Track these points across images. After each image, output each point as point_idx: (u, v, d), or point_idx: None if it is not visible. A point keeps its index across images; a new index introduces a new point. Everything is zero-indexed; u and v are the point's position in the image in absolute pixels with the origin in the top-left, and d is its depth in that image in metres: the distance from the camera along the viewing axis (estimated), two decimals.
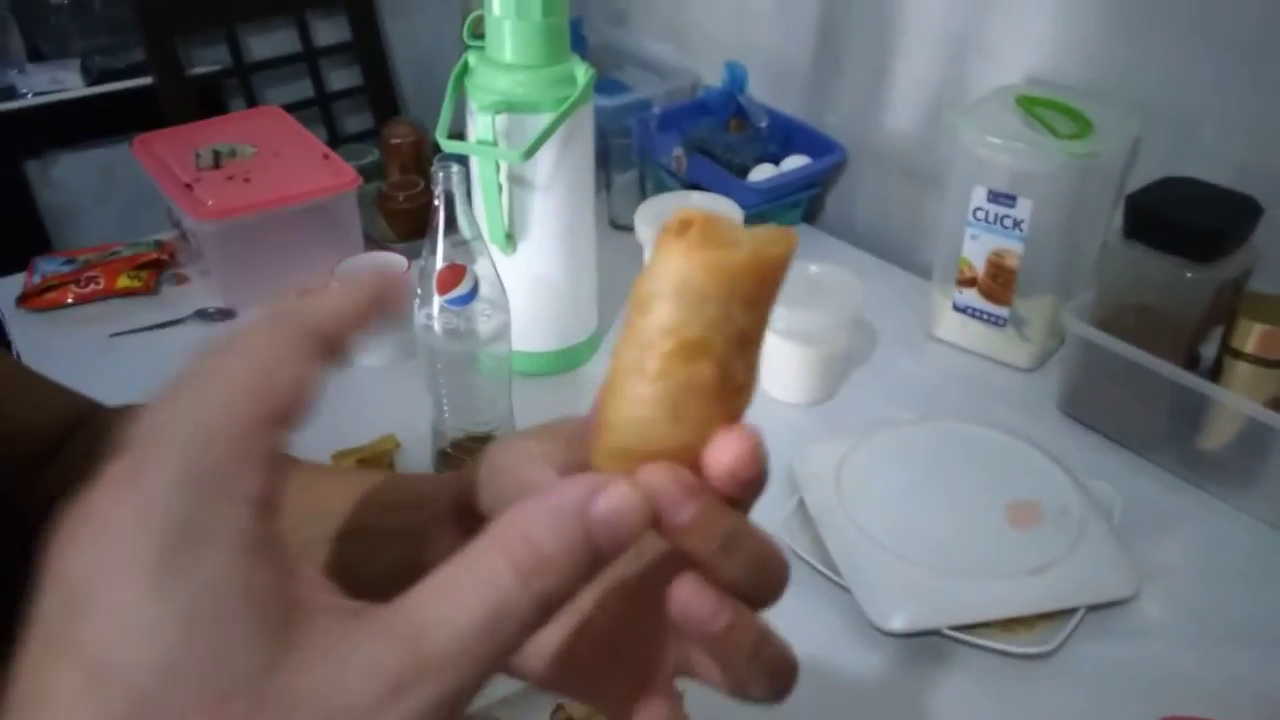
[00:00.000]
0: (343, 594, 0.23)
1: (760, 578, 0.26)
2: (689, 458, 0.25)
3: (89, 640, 0.19)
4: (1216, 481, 0.78)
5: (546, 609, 0.22)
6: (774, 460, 0.83)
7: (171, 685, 0.18)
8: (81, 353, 0.98)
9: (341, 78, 1.80)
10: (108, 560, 0.19)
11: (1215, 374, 0.76)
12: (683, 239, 0.25)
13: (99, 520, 0.20)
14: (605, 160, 1.13)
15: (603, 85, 1.16)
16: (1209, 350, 0.78)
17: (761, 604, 0.26)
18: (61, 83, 1.59)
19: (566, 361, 0.92)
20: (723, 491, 0.25)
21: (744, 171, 1.13)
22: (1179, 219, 0.75)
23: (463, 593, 0.21)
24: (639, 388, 0.25)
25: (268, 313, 0.23)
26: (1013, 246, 0.87)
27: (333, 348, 0.23)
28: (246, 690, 0.19)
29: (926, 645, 0.65)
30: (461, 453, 0.78)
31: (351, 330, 0.23)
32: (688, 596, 0.25)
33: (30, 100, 1.58)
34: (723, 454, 0.24)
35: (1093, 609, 0.66)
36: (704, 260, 0.24)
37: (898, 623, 0.64)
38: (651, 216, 0.90)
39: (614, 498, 0.23)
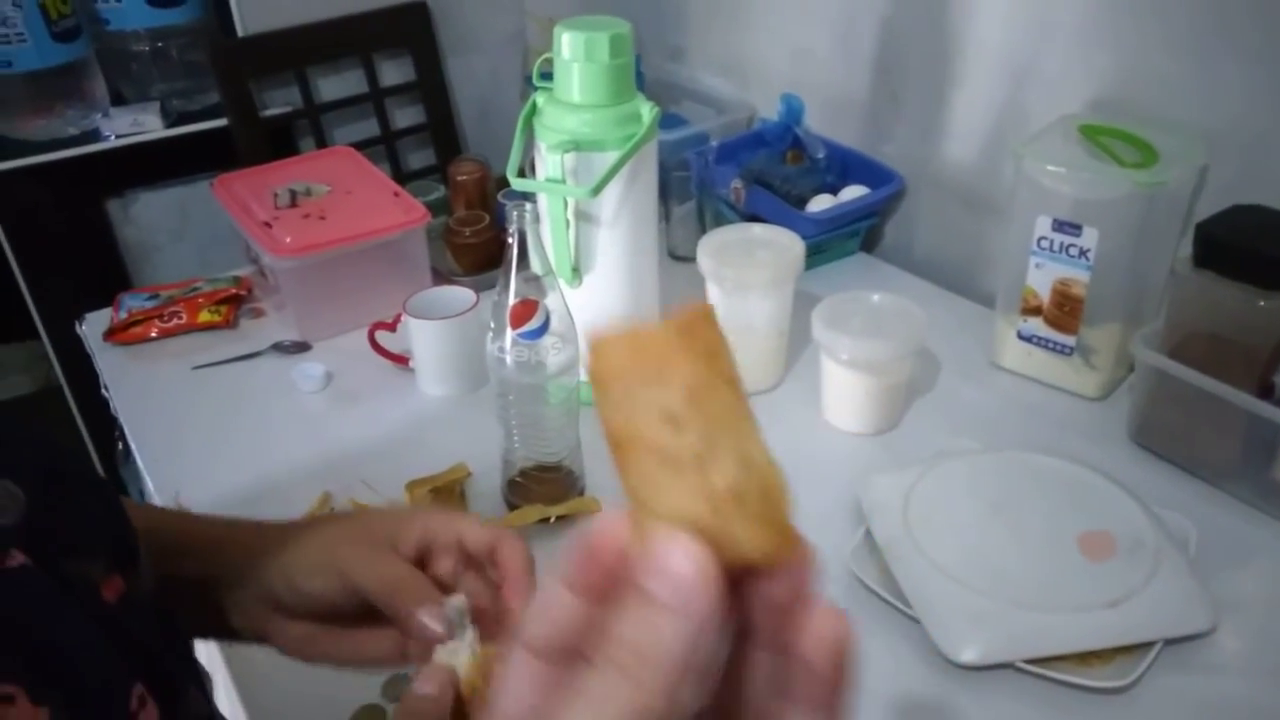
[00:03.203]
0: None
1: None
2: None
3: None
4: None
5: (671, 691, 0.23)
6: (839, 490, 0.83)
7: None
8: (166, 385, 1.02)
9: (406, 116, 1.85)
10: None
11: None
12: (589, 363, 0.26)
13: None
14: (664, 193, 1.15)
15: (661, 119, 1.18)
16: None
17: None
18: (142, 125, 1.66)
19: None
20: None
21: (802, 202, 1.14)
22: (1251, 247, 0.74)
23: None
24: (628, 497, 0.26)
25: None
26: (1079, 275, 0.87)
27: None
28: None
29: (999, 678, 0.65)
30: (531, 481, 0.80)
31: None
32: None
33: (113, 142, 1.66)
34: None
35: (1170, 642, 0.65)
36: (594, 364, 0.26)
37: (970, 655, 0.64)
38: (714, 250, 0.91)
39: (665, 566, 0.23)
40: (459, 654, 0.42)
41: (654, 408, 0.24)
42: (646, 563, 0.23)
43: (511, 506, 0.81)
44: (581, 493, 0.82)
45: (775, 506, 0.24)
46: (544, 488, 0.80)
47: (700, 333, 0.25)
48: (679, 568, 0.23)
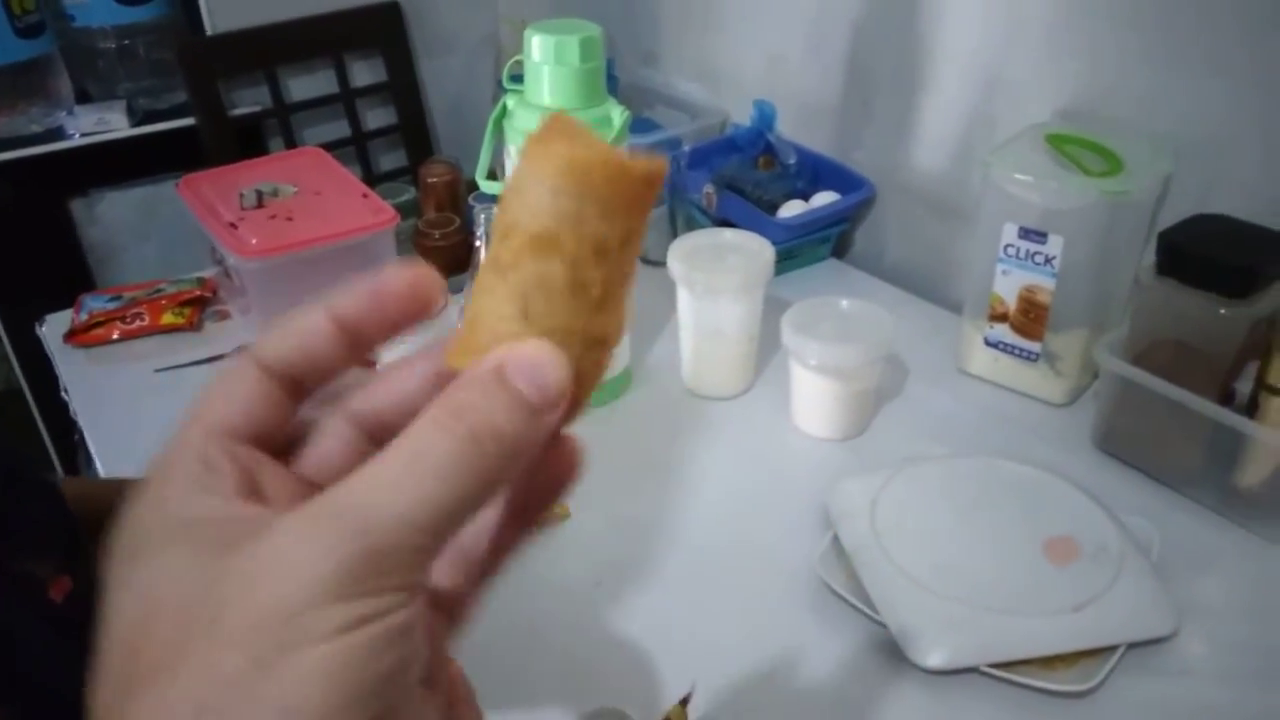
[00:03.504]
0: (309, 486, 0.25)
1: None
2: None
3: None
4: (1255, 518, 0.77)
5: (499, 479, 0.23)
6: (807, 495, 0.83)
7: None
8: (127, 388, 1.00)
9: (377, 117, 1.84)
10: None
11: (1251, 410, 0.76)
12: (539, 137, 0.25)
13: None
14: None
15: (633, 124, 1.18)
16: (1244, 386, 0.78)
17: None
18: (107, 123, 1.64)
19: (600, 396, 0.94)
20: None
21: (773, 208, 1.15)
22: (1212, 256, 0.75)
23: (409, 476, 0.22)
24: (495, 283, 0.25)
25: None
26: (1044, 282, 0.88)
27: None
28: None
29: (964, 682, 0.65)
30: None
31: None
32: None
33: (78, 141, 1.63)
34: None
35: (1133, 646, 0.66)
36: (557, 153, 0.24)
37: (935, 660, 0.64)
38: (684, 254, 0.91)
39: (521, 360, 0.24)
40: None
41: (594, 234, 0.25)
42: (522, 361, 0.24)
43: None
44: None
45: (607, 361, 0.27)
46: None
47: (654, 188, 0.26)
48: (551, 381, 0.24)
